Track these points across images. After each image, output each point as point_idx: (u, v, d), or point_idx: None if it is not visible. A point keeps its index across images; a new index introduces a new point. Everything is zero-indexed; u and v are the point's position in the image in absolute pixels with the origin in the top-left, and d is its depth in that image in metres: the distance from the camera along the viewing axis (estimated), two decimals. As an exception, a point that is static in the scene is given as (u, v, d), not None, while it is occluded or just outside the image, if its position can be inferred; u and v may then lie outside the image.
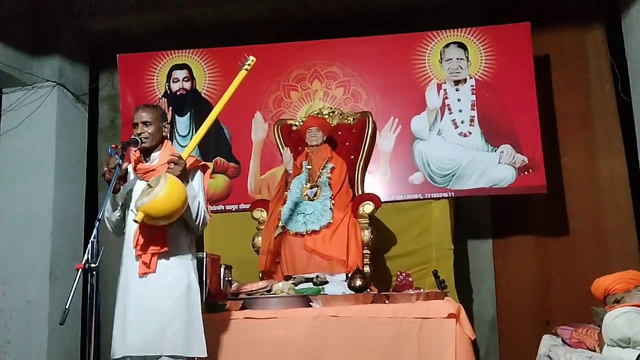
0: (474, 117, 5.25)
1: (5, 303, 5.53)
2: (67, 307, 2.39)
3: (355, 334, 3.58)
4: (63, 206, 5.72)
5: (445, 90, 5.34)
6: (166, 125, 3.26)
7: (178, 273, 3.08)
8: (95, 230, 2.66)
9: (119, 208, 3.16)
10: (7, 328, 5.49)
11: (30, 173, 5.69)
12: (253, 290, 4.01)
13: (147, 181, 3.08)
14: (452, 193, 5.15)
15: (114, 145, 3.02)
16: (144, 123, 3.17)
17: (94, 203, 5.96)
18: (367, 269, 4.37)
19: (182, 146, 5.27)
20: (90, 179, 6.07)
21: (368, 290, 4.00)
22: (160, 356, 2.96)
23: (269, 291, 4.02)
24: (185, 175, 3.07)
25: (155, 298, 3.00)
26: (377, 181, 5.22)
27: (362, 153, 5.08)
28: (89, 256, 2.60)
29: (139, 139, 3.15)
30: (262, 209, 4.71)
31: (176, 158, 3.06)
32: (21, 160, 5.74)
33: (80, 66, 6.15)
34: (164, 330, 2.97)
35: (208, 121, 3.29)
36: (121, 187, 3.11)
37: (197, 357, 3.08)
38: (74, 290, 2.41)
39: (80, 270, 2.54)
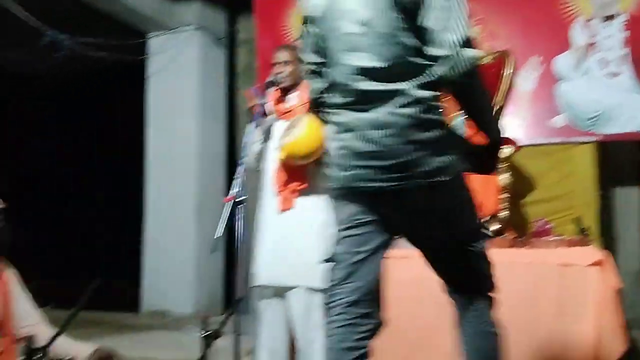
0: (624, 55, 4.87)
1: (155, 236, 6.00)
2: (218, 236, 2.55)
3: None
4: (206, 144, 6.06)
5: (593, 26, 4.98)
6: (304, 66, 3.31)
7: (314, 210, 3.19)
8: (240, 166, 2.81)
9: (258, 148, 3.28)
10: (158, 258, 5.96)
11: (175, 114, 6.04)
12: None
13: (287, 121, 3.18)
14: (598, 137, 4.85)
15: (256, 86, 3.13)
16: (282, 63, 3.25)
17: (233, 142, 6.23)
18: (504, 213, 4.26)
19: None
20: (229, 119, 6.34)
21: (505, 235, 3.91)
22: (296, 287, 3.10)
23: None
24: (325, 117, 3.14)
25: (293, 233, 3.13)
26: (516, 123, 5.01)
27: (501, 94, 4.89)
28: (236, 190, 2.74)
29: (277, 79, 3.23)
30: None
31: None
32: (167, 101, 6.09)
33: (219, 10, 6.35)
34: (301, 264, 3.10)
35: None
36: (261, 126, 3.22)
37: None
38: (224, 221, 2.55)
39: (229, 203, 2.69)
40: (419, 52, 1.95)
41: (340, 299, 2.11)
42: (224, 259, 5.89)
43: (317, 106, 2.30)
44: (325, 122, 2.26)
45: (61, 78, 7.81)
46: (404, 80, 1.95)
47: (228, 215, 2.64)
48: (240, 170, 2.83)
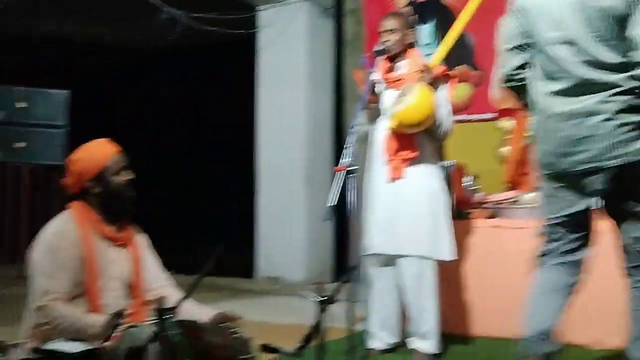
0: None
1: (267, 205, 6.18)
2: (330, 205, 2.60)
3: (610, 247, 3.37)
4: (314, 115, 6.14)
5: None
6: (411, 33, 3.26)
7: (425, 179, 3.17)
8: (352, 135, 2.82)
9: (366, 118, 3.28)
10: (270, 225, 6.15)
11: (284, 85, 6.15)
12: (501, 200, 3.95)
13: (396, 89, 3.16)
14: None
15: (365, 55, 3.13)
16: (389, 31, 3.22)
17: (340, 111, 6.27)
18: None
19: (425, 55, 5.22)
20: (336, 89, 6.38)
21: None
22: (407, 256, 3.10)
23: (516, 202, 3.93)
24: (434, 84, 3.10)
25: (404, 202, 3.12)
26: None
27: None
28: (347, 159, 2.77)
29: (385, 47, 3.21)
30: (510, 118, 4.55)
31: (427, 67, 3.10)
32: (276, 73, 6.20)
33: (327, -20, 6.36)
34: (412, 233, 3.10)
35: (457, 30, 3.23)
36: (371, 97, 3.22)
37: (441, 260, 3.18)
38: (336, 190, 2.59)
39: (340, 172, 2.72)
40: (627, 49, 2.27)
41: (556, 249, 2.47)
42: (335, 228, 5.99)
43: (508, 81, 2.53)
44: (518, 98, 2.54)
45: (175, 53, 8.12)
46: (617, 72, 2.26)
47: (340, 184, 2.67)
48: (351, 139, 2.85)
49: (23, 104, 6.52)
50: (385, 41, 3.22)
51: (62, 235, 2.34)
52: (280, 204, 6.10)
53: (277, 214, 6.10)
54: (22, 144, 6.49)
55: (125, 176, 2.45)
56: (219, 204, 8.33)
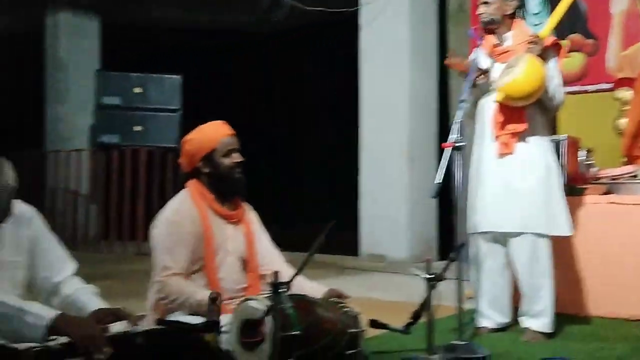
0: None
1: (370, 183, 6.20)
2: (438, 182, 2.58)
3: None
4: (417, 91, 6.07)
5: None
6: (510, 3, 3.14)
7: (536, 153, 3.07)
8: (460, 111, 2.78)
9: (472, 94, 3.20)
10: (373, 204, 6.17)
11: (387, 62, 6.11)
12: (617, 175, 3.76)
13: (504, 62, 3.07)
14: None
15: (473, 28, 3.06)
16: (483, 3, 3.13)
17: (445, 87, 6.16)
18: None
19: (534, 25, 5.04)
20: (441, 64, 6.26)
21: None
22: (522, 233, 3.02)
23: (635, 176, 3.73)
24: (544, 55, 2.99)
25: (515, 178, 3.04)
26: None
27: None
28: (455, 135, 2.73)
29: (490, 19, 3.12)
30: (627, 88, 4.30)
31: (536, 38, 3.00)
32: (378, 50, 6.17)
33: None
34: (525, 209, 3.01)
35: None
36: (479, 71, 3.14)
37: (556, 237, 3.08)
38: (444, 167, 2.57)
39: (448, 148, 2.69)
40: None
41: None
42: (439, 205, 5.93)
43: None
44: None
45: (280, 35, 8.26)
46: None
47: (447, 160, 2.64)
48: (459, 115, 2.80)
49: (138, 90, 6.89)
50: (481, 13, 3.13)
51: (181, 213, 2.47)
52: (383, 182, 6.10)
53: (380, 192, 6.11)
54: (139, 128, 6.86)
55: (234, 158, 2.54)
56: (323, 182, 8.44)
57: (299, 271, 2.06)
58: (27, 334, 1.67)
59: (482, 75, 3.10)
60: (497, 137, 3.08)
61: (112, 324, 1.89)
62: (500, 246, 3.11)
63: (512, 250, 3.07)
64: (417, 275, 2.52)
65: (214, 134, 2.58)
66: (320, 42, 8.19)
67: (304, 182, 8.69)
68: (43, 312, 1.69)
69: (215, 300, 2.21)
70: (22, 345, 1.67)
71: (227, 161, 2.54)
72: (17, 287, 1.98)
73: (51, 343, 1.66)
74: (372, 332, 2.69)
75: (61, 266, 2.09)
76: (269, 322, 2.08)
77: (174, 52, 8.49)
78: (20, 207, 1.96)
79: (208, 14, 8.26)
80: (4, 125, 8.69)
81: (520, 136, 3.05)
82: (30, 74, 8.45)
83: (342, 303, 2.50)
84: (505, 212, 3.03)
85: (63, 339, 1.67)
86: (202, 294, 2.33)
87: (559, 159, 3.55)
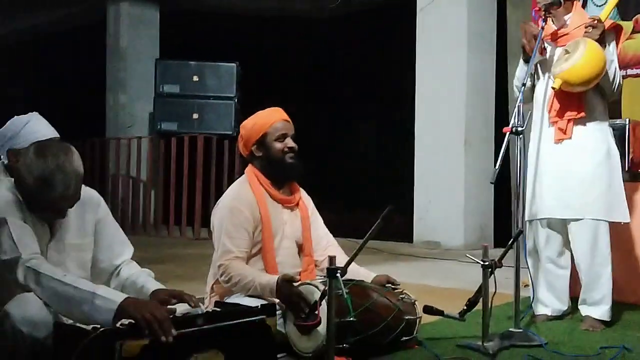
0: None
1: (424, 170, 6.15)
2: (497, 167, 2.54)
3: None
4: (475, 77, 5.98)
5: None
6: None
7: (595, 139, 2.99)
8: (520, 94, 2.73)
9: (530, 76, 3.13)
10: (428, 190, 6.13)
11: (444, 45, 6.03)
12: (684, 161, 3.62)
13: (562, 46, 2.99)
14: None
15: (536, 9, 2.98)
16: None
17: (502, 70, 6.04)
18: None
19: (597, 6, 4.88)
20: (499, 48, 6.14)
21: None
22: (581, 219, 2.95)
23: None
24: (603, 39, 2.90)
25: (574, 163, 2.97)
26: None
27: None
28: (514, 120, 2.68)
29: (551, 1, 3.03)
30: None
31: (595, 21, 2.90)
32: (436, 34, 6.10)
33: None
34: (584, 195, 2.95)
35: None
36: (539, 54, 3.06)
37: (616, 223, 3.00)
38: (504, 152, 2.53)
39: (508, 133, 2.65)
40: None
41: None
42: (495, 191, 5.84)
43: None
44: None
45: (337, 20, 8.25)
46: None
47: (506, 146, 2.59)
48: (518, 99, 2.75)
49: (195, 77, 7.00)
50: None
51: (240, 198, 2.52)
52: (438, 167, 6.04)
53: (435, 178, 6.06)
54: (196, 116, 6.99)
55: (286, 143, 2.57)
56: (378, 169, 8.42)
57: (353, 257, 2.07)
58: (96, 317, 1.71)
59: (542, 57, 3.03)
60: (554, 122, 3.02)
61: (174, 306, 1.94)
62: (559, 233, 3.06)
63: (572, 237, 3.00)
64: (473, 261, 2.50)
65: (267, 118, 2.61)
66: (377, 26, 8.13)
67: (359, 168, 8.68)
68: (112, 296, 1.73)
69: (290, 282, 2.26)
70: (89, 327, 1.73)
71: (279, 145, 2.57)
72: (84, 269, 2.05)
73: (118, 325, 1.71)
74: (427, 319, 2.69)
75: (121, 250, 2.16)
76: (324, 306, 2.10)
77: (230, 39, 8.58)
78: (85, 192, 2.04)
79: (265, 1, 8.31)
80: (68, 114, 8.99)
81: (579, 121, 2.98)
82: (92, 64, 8.70)
83: (398, 289, 2.51)
84: (564, 198, 2.97)
85: (129, 321, 1.71)
86: (267, 278, 2.37)
87: (623, 143, 3.46)
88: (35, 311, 1.76)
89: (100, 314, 1.70)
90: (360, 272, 2.60)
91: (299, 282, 2.39)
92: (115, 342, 1.62)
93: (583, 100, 2.96)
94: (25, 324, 1.74)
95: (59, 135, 2.31)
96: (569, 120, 2.98)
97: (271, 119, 2.60)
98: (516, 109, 2.70)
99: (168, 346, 1.65)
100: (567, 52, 2.89)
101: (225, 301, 2.40)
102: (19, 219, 1.87)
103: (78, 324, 1.77)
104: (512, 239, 2.64)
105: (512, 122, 2.69)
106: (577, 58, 2.81)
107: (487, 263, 2.45)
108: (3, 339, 1.77)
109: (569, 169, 2.97)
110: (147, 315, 1.66)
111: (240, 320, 1.88)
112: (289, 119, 2.64)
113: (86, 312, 1.73)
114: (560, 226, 3.04)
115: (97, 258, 2.12)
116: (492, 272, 2.46)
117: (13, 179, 1.96)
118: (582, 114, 2.96)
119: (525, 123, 2.70)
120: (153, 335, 1.66)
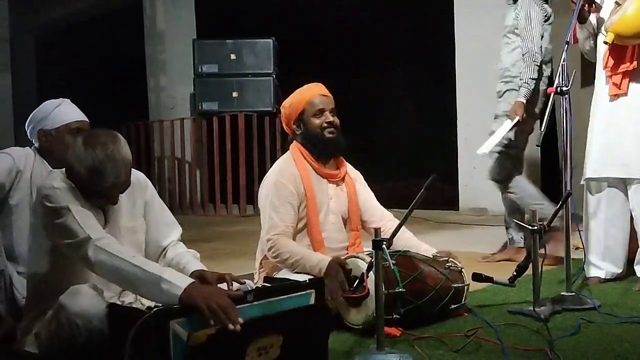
0: None
1: (468, 136, 6.06)
2: (543, 130, 2.48)
3: None
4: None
5: None
6: None
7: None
8: (564, 53, 2.64)
9: (590, 36, 3.02)
10: (472, 156, 6.04)
11: (482, 9, 5.89)
12: None
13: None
14: None
15: None
16: None
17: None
18: None
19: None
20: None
21: None
22: (637, 179, 2.86)
23: None
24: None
25: (630, 120, 2.87)
26: None
27: None
28: (560, 79, 2.60)
29: None
30: None
31: None
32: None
33: None
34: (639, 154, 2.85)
35: None
36: (589, 9, 2.95)
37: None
38: (549, 113, 2.47)
39: (552, 93, 2.58)
40: None
41: None
42: (541, 154, 5.72)
43: None
44: None
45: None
46: None
47: (552, 107, 2.53)
48: (563, 57, 2.66)
49: (233, 56, 7.02)
50: None
51: (284, 174, 2.53)
52: (482, 132, 5.93)
53: (479, 143, 5.95)
54: (235, 94, 7.02)
55: (325, 118, 2.55)
56: (422, 137, 8.33)
57: (399, 227, 2.06)
58: (162, 300, 1.71)
59: (592, 11, 2.92)
60: (608, 77, 2.92)
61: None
62: (616, 193, 2.96)
63: (630, 197, 2.91)
64: (521, 226, 2.46)
65: (303, 95, 2.61)
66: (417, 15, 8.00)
67: (400, 137, 8.60)
68: (178, 281, 1.72)
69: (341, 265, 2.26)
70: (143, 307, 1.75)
71: (317, 121, 2.56)
72: (140, 251, 2.08)
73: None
74: (476, 286, 2.66)
75: (169, 231, 2.19)
76: (372, 278, 2.10)
77: (265, 14, 8.54)
78: (133, 175, 2.06)
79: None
80: (112, 99, 9.14)
81: (635, 77, 2.87)
82: (131, 47, 8.80)
83: (445, 258, 2.49)
84: (620, 156, 2.87)
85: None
86: (317, 258, 2.36)
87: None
88: (88, 303, 1.80)
89: (164, 298, 1.71)
90: (421, 247, 2.58)
91: (346, 255, 2.39)
92: (168, 322, 1.64)
93: (637, 53, 2.85)
94: (80, 316, 1.78)
95: (87, 120, 2.40)
96: (623, 74, 2.87)
97: (308, 95, 2.59)
98: (560, 69, 2.62)
99: (234, 333, 1.64)
100: (617, 4, 2.79)
101: (275, 277, 2.42)
102: (79, 206, 1.91)
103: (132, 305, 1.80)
104: (560, 202, 2.58)
105: (556, 82, 2.62)
106: (627, 8, 2.71)
107: (535, 227, 2.41)
108: (60, 329, 1.82)
109: (625, 125, 2.87)
110: (213, 305, 1.65)
111: (298, 306, 1.86)
112: (327, 94, 2.62)
113: (151, 294, 1.75)
114: (618, 186, 2.95)
115: (147, 239, 2.15)
116: (541, 237, 2.42)
117: (64, 169, 1.99)
118: (635, 64, 2.85)
119: (570, 83, 2.62)
120: (220, 324, 1.64)
